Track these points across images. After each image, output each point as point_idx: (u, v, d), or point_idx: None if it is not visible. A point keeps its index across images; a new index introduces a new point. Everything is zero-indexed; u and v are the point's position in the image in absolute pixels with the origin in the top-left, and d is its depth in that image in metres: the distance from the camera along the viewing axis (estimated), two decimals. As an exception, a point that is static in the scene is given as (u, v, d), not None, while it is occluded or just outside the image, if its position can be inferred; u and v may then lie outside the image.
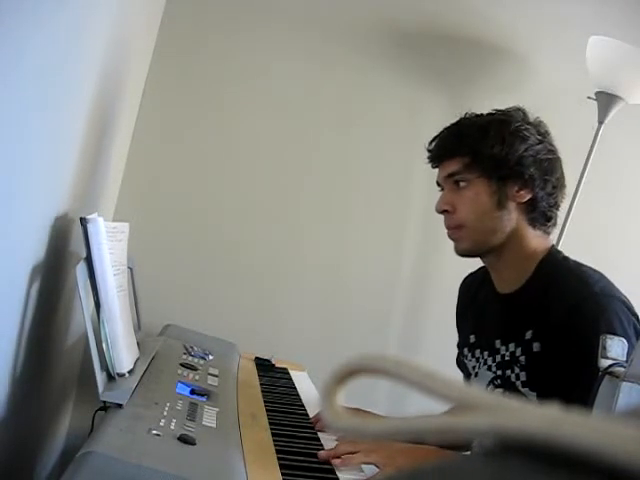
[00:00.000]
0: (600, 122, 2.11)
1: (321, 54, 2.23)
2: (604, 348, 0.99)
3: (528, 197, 1.32)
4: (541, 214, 1.34)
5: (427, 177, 2.28)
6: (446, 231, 1.38)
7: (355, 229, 2.28)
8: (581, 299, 1.23)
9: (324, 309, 2.27)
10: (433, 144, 1.40)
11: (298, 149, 2.25)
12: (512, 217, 1.33)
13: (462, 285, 1.59)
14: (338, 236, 2.27)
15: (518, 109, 1.37)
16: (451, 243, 1.38)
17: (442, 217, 1.38)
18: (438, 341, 2.25)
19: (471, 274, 1.56)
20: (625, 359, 0.98)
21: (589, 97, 2.11)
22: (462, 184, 1.34)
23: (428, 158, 1.41)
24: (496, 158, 1.30)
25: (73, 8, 1.11)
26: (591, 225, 2.29)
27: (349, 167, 2.27)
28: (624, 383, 0.87)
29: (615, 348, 1.00)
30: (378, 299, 2.29)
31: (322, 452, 1.21)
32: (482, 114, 1.38)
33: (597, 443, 0.20)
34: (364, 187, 2.28)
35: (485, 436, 0.22)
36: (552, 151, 1.35)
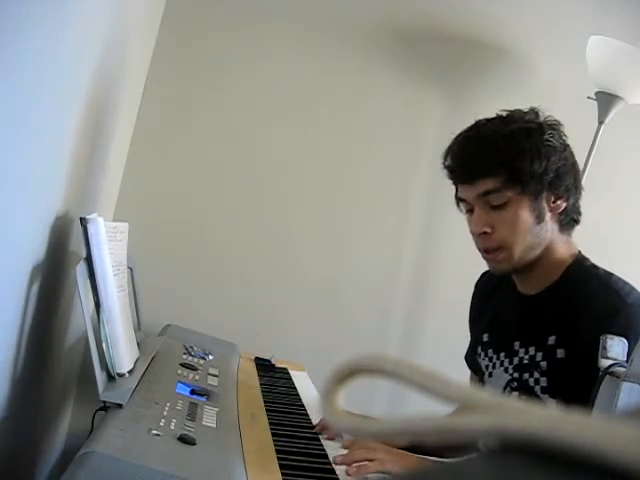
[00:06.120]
0: (600, 122, 2.11)
1: (321, 54, 2.23)
2: (604, 348, 0.99)
3: (564, 206, 1.29)
4: (571, 220, 1.32)
5: (427, 177, 2.29)
6: (481, 253, 1.31)
7: (355, 229, 2.28)
8: (613, 310, 1.19)
9: (324, 309, 2.26)
10: (457, 161, 1.30)
11: (298, 149, 2.25)
12: (549, 228, 1.29)
13: (478, 283, 1.54)
14: (338, 236, 2.27)
15: (532, 110, 1.30)
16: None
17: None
18: (438, 341, 2.26)
19: (488, 271, 1.47)
20: (625, 359, 0.98)
21: (589, 97, 2.11)
22: (495, 203, 1.26)
23: (452, 177, 1.31)
24: (536, 174, 1.24)
25: (72, 6, 1.11)
26: (591, 225, 2.29)
27: (349, 167, 2.27)
28: (624, 383, 0.87)
29: (615, 348, 1.00)
30: (378, 299, 2.29)
31: (339, 457, 1.21)
32: (497, 120, 1.29)
33: (598, 443, 0.20)
34: (364, 187, 2.27)
35: (486, 436, 0.22)
36: (567, 145, 1.30)
